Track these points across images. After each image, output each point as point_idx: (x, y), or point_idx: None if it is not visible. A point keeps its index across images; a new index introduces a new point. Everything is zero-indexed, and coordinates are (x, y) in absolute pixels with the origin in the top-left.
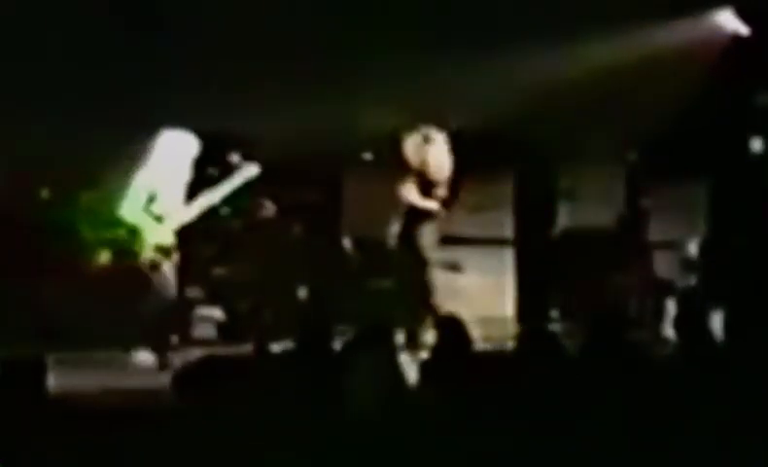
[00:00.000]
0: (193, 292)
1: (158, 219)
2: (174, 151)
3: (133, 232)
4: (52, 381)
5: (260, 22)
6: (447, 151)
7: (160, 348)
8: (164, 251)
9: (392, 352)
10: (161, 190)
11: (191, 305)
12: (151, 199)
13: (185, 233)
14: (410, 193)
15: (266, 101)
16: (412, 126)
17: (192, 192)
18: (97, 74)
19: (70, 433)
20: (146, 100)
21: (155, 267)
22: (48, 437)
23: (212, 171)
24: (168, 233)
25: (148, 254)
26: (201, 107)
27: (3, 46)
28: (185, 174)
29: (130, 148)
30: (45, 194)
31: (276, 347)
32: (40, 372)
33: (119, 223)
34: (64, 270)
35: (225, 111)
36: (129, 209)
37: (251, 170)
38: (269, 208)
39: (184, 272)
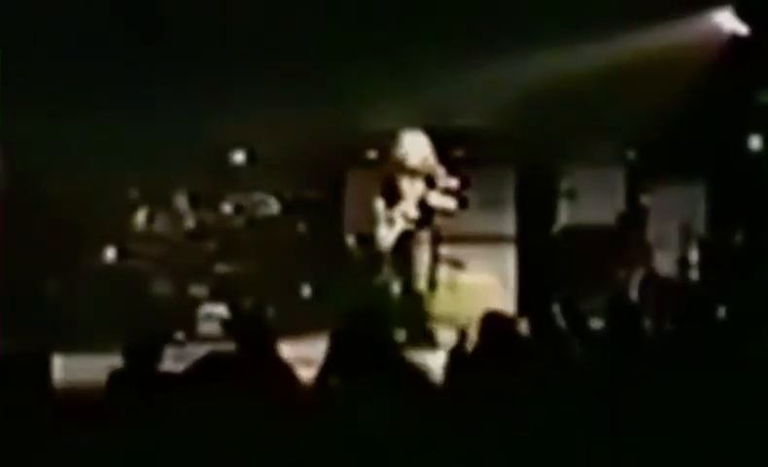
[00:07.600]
0: (198, 289)
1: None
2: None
3: None
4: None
5: (260, 22)
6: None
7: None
8: None
9: (398, 350)
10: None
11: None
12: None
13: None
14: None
15: (269, 100)
16: (411, 126)
17: None
18: None
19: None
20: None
21: None
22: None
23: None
24: None
25: None
26: (201, 107)
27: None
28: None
29: None
30: None
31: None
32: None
33: None
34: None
35: (225, 110)
36: None
37: None
38: (272, 206)
39: None
